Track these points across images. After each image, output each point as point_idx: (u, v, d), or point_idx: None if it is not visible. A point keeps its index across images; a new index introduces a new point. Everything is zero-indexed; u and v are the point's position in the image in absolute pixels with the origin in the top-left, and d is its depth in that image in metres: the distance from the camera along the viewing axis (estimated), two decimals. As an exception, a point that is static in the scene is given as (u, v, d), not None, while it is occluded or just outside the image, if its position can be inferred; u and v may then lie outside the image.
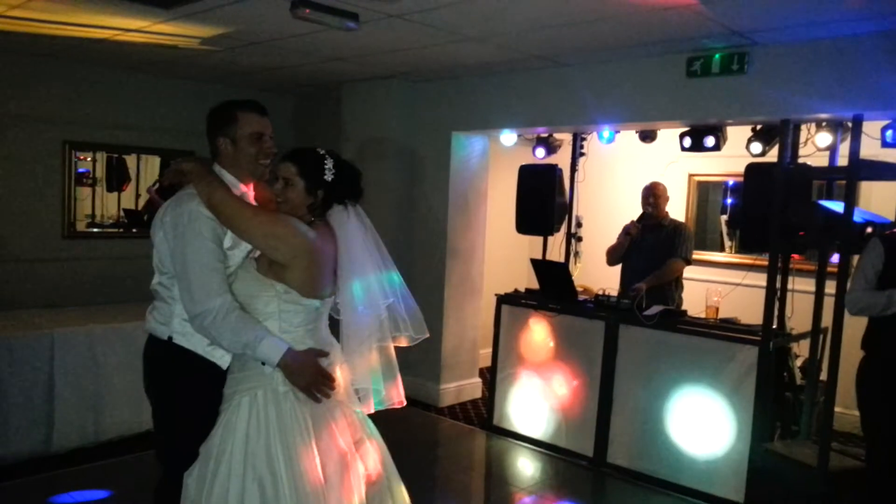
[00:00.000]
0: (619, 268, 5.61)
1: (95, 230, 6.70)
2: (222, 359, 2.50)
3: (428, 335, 2.67)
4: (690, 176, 6.76)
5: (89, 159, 6.72)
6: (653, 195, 5.41)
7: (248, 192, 2.63)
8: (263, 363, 2.39)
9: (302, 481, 2.31)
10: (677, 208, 6.69)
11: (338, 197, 2.54)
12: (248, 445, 2.33)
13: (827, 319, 4.24)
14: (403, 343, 2.65)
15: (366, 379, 2.57)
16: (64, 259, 6.24)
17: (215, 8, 4.09)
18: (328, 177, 2.50)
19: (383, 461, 2.63)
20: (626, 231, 5.44)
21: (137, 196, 7.28)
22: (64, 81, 6.09)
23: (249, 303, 2.42)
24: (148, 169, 7.32)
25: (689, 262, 5.35)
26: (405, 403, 2.68)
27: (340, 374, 2.55)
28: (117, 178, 7.13)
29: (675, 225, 5.45)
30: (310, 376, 2.40)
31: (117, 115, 6.44)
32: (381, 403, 2.64)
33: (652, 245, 5.36)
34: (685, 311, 4.97)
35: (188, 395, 2.50)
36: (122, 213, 7.14)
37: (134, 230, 7.06)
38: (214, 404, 2.47)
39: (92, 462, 4.68)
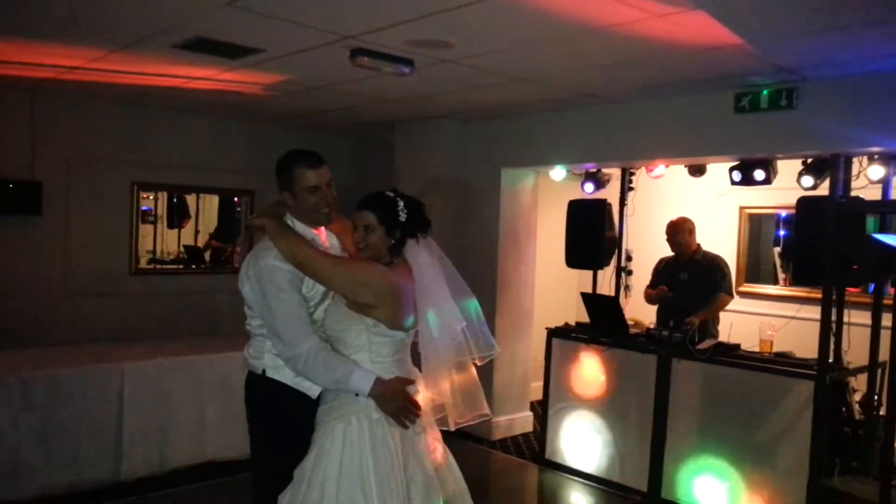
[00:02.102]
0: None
1: (157, 266, 6.99)
2: (311, 389, 2.68)
3: (499, 350, 2.87)
4: (741, 208, 6.75)
5: (151, 197, 7.03)
6: (675, 233, 5.49)
7: (321, 234, 2.82)
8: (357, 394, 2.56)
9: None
10: (729, 241, 6.69)
11: (410, 233, 2.72)
12: (341, 469, 2.49)
13: (885, 353, 4.20)
14: (478, 362, 2.81)
15: (447, 395, 2.75)
16: (130, 294, 6.50)
17: (278, 57, 4.31)
18: (402, 217, 2.68)
19: (458, 482, 2.78)
20: (662, 294, 5.52)
21: (196, 233, 7.58)
22: (134, 124, 6.40)
23: (340, 336, 2.63)
24: (206, 206, 7.63)
25: (732, 296, 5.39)
26: (489, 414, 2.86)
27: (423, 400, 2.71)
28: (178, 216, 7.45)
29: (712, 258, 5.49)
30: (399, 403, 2.58)
31: (180, 156, 6.73)
32: (461, 417, 2.80)
33: (689, 280, 5.40)
34: (738, 345, 4.95)
35: (281, 422, 2.71)
36: (181, 250, 7.44)
37: (193, 266, 7.34)
38: (306, 431, 2.65)
39: (158, 491, 4.84)
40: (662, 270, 5.69)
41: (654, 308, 5.73)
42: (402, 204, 2.69)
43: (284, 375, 2.67)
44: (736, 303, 5.75)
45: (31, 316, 5.88)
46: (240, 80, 4.98)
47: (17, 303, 5.78)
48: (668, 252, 5.70)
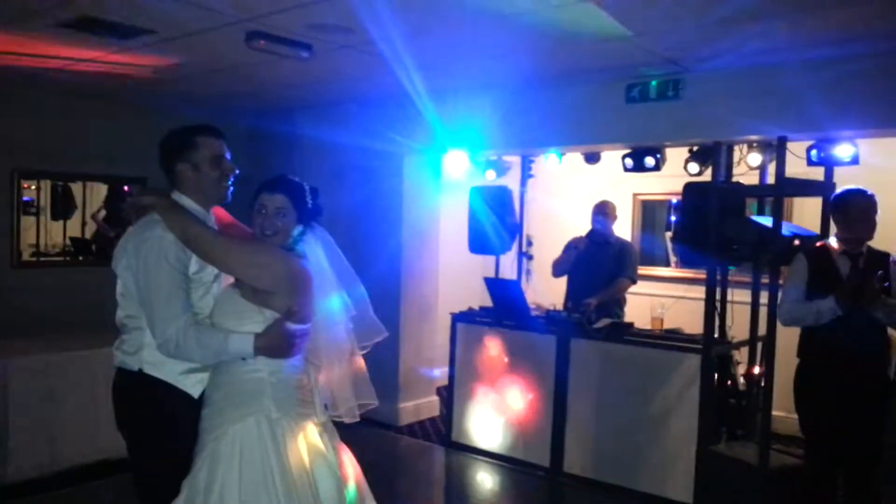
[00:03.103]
0: (565, 283, 5.80)
1: (42, 259, 6.62)
2: (194, 387, 2.48)
3: (386, 333, 2.79)
4: (635, 195, 7.05)
5: (33, 188, 6.64)
6: (603, 213, 5.63)
7: (213, 217, 2.63)
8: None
9: None
10: (623, 226, 6.96)
11: (308, 220, 2.60)
12: (241, 474, 2.33)
13: (764, 328, 4.51)
14: (362, 351, 2.74)
15: (346, 390, 2.66)
16: (11, 288, 6.14)
17: (169, 39, 4.17)
18: (309, 204, 2.57)
19: (358, 475, 2.69)
20: (574, 245, 5.63)
21: (84, 224, 7.20)
22: (15, 109, 6.04)
23: (236, 328, 2.41)
24: (93, 196, 7.26)
25: (634, 281, 5.60)
26: (377, 403, 2.76)
27: (317, 393, 2.59)
28: (63, 206, 7.06)
29: (622, 244, 5.68)
30: (286, 344, 2.42)
31: (66, 142, 6.39)
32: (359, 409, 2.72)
33: (598, 262, 5.56)
34: (632, 324, 5.19)
35: (163, 426, 2.46)
36: (68, 242, 7.07)
37: (80, 258, 6.99)
38: (190, 435, 2.45)
39: (48, 492, 4.62)
40: (573, 248, 5.76)
41: (556, 291, 5.89)
42: (308, 190, 2.58)
43: (166, 373, 2.43)
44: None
45: None
46: (129, 62, 4.77)
47: None
48: (566, 239, 5.86)
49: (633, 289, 5.67)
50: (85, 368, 4.93)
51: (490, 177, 6.28)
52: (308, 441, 2.47)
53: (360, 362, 2.74)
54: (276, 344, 2.40)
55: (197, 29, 3.93)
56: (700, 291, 4.74)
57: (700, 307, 4.62)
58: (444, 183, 6.73)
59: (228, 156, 2.60)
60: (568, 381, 5.14)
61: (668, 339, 4.81)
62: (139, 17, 3.78)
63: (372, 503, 2.71)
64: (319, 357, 2.62)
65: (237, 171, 2.62)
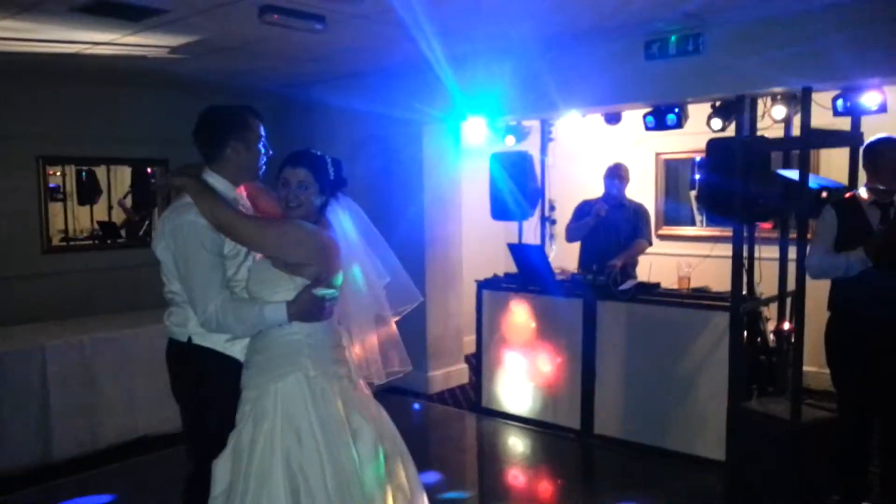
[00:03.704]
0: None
1: (71, 243, 6.73)
2: (240, 353, 2.65)
3: (421, 298, 2.92)
4: (657, 154, 6.96)
5: (59, 174, 6.73)
6: (617, 176, 5.58)
7: (242, 194, 2.76)
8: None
9: (339, 463, 2.49)
10: (647, 186, 6.90)
11: (332, 191, 2.70)
12: (283, 429, 2.47)
13: (793, 283, 4.45)
14: (395, 317, 2.85)
15: (374, 352, 2.78)
16: (44, 274, 6.26)
17: (184, 18, 4.16)
18: (331, 175, 2.67)
19: (394, 434, 2.79)
20: (596, 213, 5.60)
21: (110, 208, 7.30)
22: (34, 97, 6.09)
23: (271, 297, 2.54)
24: (118, 180, 7.34)
25: (650, 242, 5.60)
26: (410, 369, 2.89)
27: (351, 355, 2.73)
28: (89, 192, 7.15)
29: (636, 207, 5.65)
30: (316, 308, 2.55)
31: (88, 127, 6.44)
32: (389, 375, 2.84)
33: (615, 225, 5.53)
34: (658, 284, 5.16)
35: (212, 390, 2.64)
36: (96, 226, 7.17)
37: (109, 241, 7.09)
38: (237, 396, 2.61)
39: (92, 469, 4.76)
40: (586, 211, 5.73)
41: (577, 256, 5.87)
42: (330, 161, 2.68)
43: (213, 342, 2.61)
44: (656, 245, 5.96)
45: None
46: (144, 43, 4.78)
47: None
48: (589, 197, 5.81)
49: (659, 250, 5.65)
50: (119, 348, 5.05)
51: (510, 142, 6.23)
52: (344, 397, 2.61)
53: (393, 327, 2.85)
54: (307, 309, 2.53)
55: (209, 6, 3.92)
56: (727, 249, 4.69)
57: (727, 265, 4.58)
58: (465, 150, 6.71)
59: None
60: (596, 344, 5.15)
61: (696, 298, 4.78)
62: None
63: (407, 459, 2.80)
64: (349, 321, 2.75)
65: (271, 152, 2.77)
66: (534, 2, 4.03)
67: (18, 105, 6.02)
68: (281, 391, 2.51)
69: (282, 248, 2.56)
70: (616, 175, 5.58)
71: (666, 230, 6.93)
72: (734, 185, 4.27)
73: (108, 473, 4.73)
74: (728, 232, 4.88)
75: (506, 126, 6.26)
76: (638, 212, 5.61)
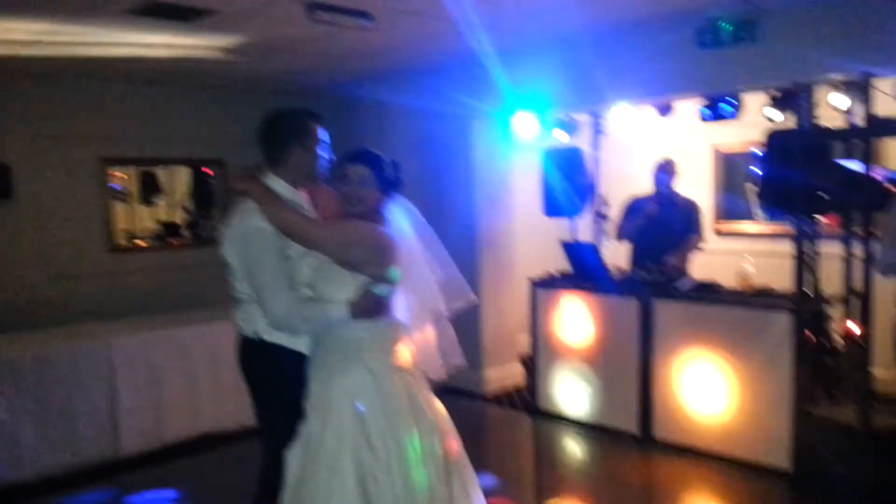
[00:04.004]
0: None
1: (135, 243, 6.93)
2: (305, 347, 2.78)
3: (474, 297, 3.01)
4: (713, 147, 6.75)
5: (121, 175, 6.94)
6: (666, 172, 5.47)
7: (304, 195, 2.86)
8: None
9: (403, 456, 2.58)
10: (702, 179, 6.70)
11: (389, 191, 2.79)
12: (351, 420, 2.57)
13: (860, 282, 4.24)
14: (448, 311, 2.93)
15: (430, 346, 2.88)
16: (109, 273, 6.46)
17: (232, 18, 4.23)
18: (389, 173, 2.77)
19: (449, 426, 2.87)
20: (642, 210, 5.47)
21: (171, 208, 7.49)
22: (97, 99, 6.29)
23: (334, 295, 2.65)
24: (177, 180, 7.53)
25: (703, 238, 5.48)
26: (465, 363, 3.02)
27: (409, 352, 2.81)
28: (149, 192, 7.36)
29: (687, 202, 5.51)
30: (376, 306, 2.66)
31: (146, 128, 6.61)
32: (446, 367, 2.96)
33: (667, 222, 5.41)
34: (716, 283, 5.00)
35: (281, 383, 2.77)
36: (158, 226, 7.38)
37: (171, 241, 7.28)
38: (303, 387, 2.73)
39: (157, 465, 4.89)
40: (637, 209, 5.63)
41: (630, 252, 5.74)
42: (388, 160, 2.78)
43: (279, 337, 2.73)
44: (714, 242, 5.80)
45: (13, 300, 5.84)
46: (196, 44, 4.88)
47: (-3, 288, 5.73)
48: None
49: (716, 245, 5.49)
50: (182, 346, 5.17)
51: (560, 137, 6.14)
52: (408, 391, 2.70)
53: (447, 322, 2.95)
54: (367, 307, 2.65)
55: (258, 5, 3.97)
56: (788, 246, 4.51)
57: (789, 262, 4.40)
58: (516, 146, 6.63)
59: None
60: (653, 344, 5.01)
61: (757, 298, 4.61)
62: (201, -2, 3.85)
63: (464, 458, 2.87)
64: (407, 317, 2.83)
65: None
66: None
67: (80, 107, 6.23)
68: (346, 385, 2.61)
69: (343, 249, 2.64)
70: (665, 171, 5.47)
71: (723, 225, 6.71)
72: (795, 177, 4.10)
73: (172, 469, 4.86)
74: (789, 228, 4.70)
75: (556, 120, 6.17)
76: (691, 208, 5.49)
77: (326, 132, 2.81)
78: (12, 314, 5.74)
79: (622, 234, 5.67)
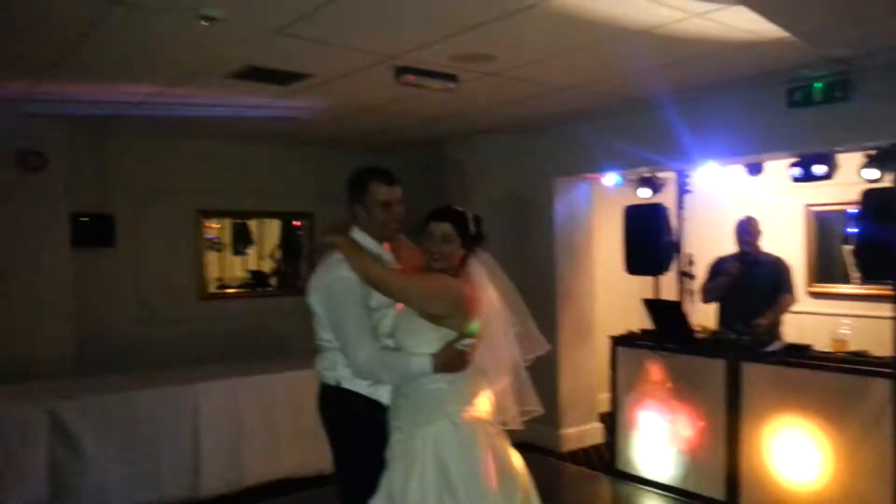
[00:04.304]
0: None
1: (225, 291, 7.21)
2: (384, 396, 2.82)
3: (549, 346, 3.04)
4: (806, 206, 6.55)
5: (216, 226, 7.28)
6: (748, 232, 5.33)
7: (387, 249, 2.94)
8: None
9: None
10: (794, 240, 6.49)
11: (472, 246, 2.88)
12: (436, 473, 2.60)
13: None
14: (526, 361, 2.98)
15: (508, 396, 2.90)
16: (199, 318, 6.72)
17: (326, 82, 4.44)
18: (472, 230, 2.84)
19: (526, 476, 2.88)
20: (726, 271, 5.34)
21: (260, 258, 7.78)
22: (195, 155, 6.67)
23: (414, 347, 2.73)
24: (268, 231, 7.84)
25: (795, 297, 5.26)
26: (542, 410, 3.03)
27: (488, 401, 2.83)
28: (242, 242, 7.69)
29: (775, 260, 5.35)
30: (459, 360, 2.71)
31: (241, 183, 6.95)
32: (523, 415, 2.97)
33: (753, 282, 5.25)
34: (810, 346, 4.79)
35: (359, 432, 2.83)
36: (247, 275, 7.66)
37: (259, 289, 7.54)
38: (384, 438, 2.77)
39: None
40: (721, 269, 5.47)
41: (716, 312, 5.59)
42: (471, 215, 2.85)
43: (359, 386, 2.79)
44: (807, 304, 5.57)
45: (108, 342, 6.15)
46: (291, 105, 5.12)
47: (94, 330, 6.06)
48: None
49: (810, 308, 5.28)
50: (265, 392, 5.30)
51: (644, 194, 6.09)
52: (487, 441, 2.71)
53: (524, 373, 2.98)
54: (450, 362, 2.70)
55: (350, 69, 4.16)
56: (888, 309, 4.30)
57: (888, 326, 4.19)
58: (598, 202, 6.63)
59: (398, 200, 2.88)
60: (740, 409, 4.81)
61: (854, 363, 4.37)
62: (298, 63, 4.07)
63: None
64: (486, 368, 2.87)
65: (402, 216, 2.91)
66: (665, 56, 3.97)
67: (180, 163, 6.62)
68: (430, 434, 2.64)
69: (426, 301, 2.71)
70: (746, 231, 5.34)
71: (818, 287, 6.46)
72: (893, 237, 3.92)
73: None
74: (888, 290, 4.48)
75: (640, 178, 6.14)
76: (778, 265, 5.32)
77: (392, 191, 2.85)
78: (106, 356, 6.04)
79: (707, 296, 5.53)
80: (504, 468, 2.73)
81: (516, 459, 2.85)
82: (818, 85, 4.34)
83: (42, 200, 5.60)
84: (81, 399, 4.67)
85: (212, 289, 7.01)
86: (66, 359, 5.71)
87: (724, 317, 5.42)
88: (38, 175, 5.53)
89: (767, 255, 5.39)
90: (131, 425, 4.77)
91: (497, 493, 2.63)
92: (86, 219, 5.98)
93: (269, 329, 6.97)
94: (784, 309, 5.22)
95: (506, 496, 2.67)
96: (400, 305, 2.83)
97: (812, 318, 5.35)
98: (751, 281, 5.27)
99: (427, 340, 2.71)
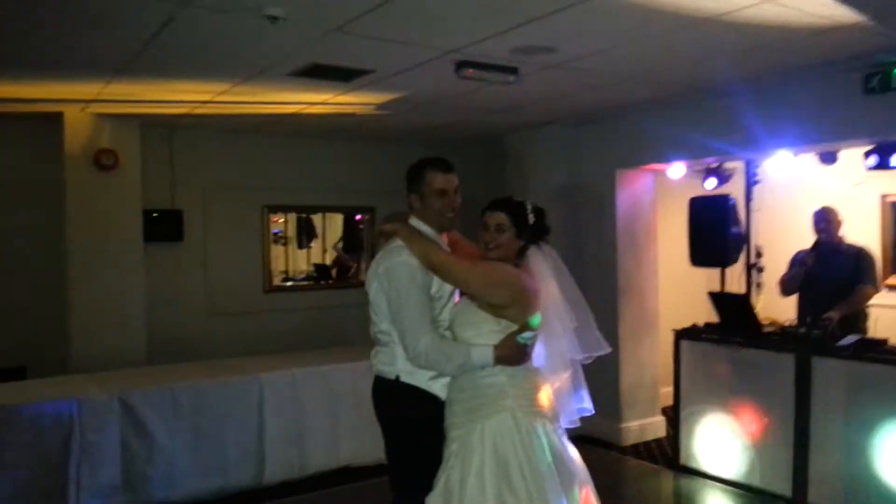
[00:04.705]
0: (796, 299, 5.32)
1: (289, 284, 7.36)
2: (441, 391, 2.78)
3: (609, 349, 2.97)
4: (882, 196, 6.29)
5: (281, 220, 7.43)
6: (825, 220, 5.17)
7: (444, 239, 2.92)
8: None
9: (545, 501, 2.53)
10: (870, 231, 6.25)
11: (533, 238, 2.85)
12: (495, 467, 2.56)
13: None
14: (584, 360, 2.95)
15: (564, 392, 2.89)
16: (264, 311, 6.89)
17: (387, 77, 4.48)
18: (531, 220, 2.82)
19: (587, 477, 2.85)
20: (801, 262, 5.17)
21: (324, 252, 7.92)
22: (261, 151, 6.82)
23: (472, 339, 2.69)
24: (331, 226, 7.97)
25: (877, 288, 5.04)
26: (593, 411, 3.01)
27: (547, 396, 2.80)
28: (306, 236, 7.84)
29: (856, 250, 5.16)
30: (520, 353, 2.68)
31: (304, 178, 7.08)
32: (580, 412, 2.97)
33: (832, 272, 5.08)
34: (886, 340, 4.61)
35: (418, 425, 2.79)
36: (311, 268, 7.81)
37: (321, 282, 7.67)
38: (440, 433, 2.75)
39: (299, 495, 5.08)
40: (800, 264, 5.34)
41: (791, 305, 5.42)
42: (530, 207, 2.84)
43: (418, 379, 2.75)
44: (883, 297, 5.35)
45: (176, 333, 6.36)
46: (353, 101, 5.19)
47: (163, 322, 6.27)
48: (802, 247, 5.38)
49: (886, 300, 5.07)
50: (326, 382, 5.40)
51: (711, 185, 5.95)
52: (546, 437, 2.67)
53: (580, 369, 2.96)
54: (512, 354, 2.67)
55: (411, 65, 4.18)
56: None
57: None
58: (664, 193, 6.50)
59: (455, 188, 2.87)
60: (810, 404, 4.67)
61: (931, 358, 4.20)
62: (360, 60, 4.11)
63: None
64: (544, 364, 2.84)
65: (458, 205, 2.88)
66: (734, 44, 3.86)
67: (247, 159, 6.79)
68: (489, 428, 2.61)
69: (487, 288, 2.69)
70: (823, 219, 5.18)
71: (894, 280, 6.20)
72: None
73: (313, 500, 5.04)
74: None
75: (706, 169, 6.00)
76: (860, 256, 5.12)
77: (448, 179, 2.84)
78: (175, 347, 6.24)
79: (784, 287, 5.39)
80: (563, 464, 2.69)
81: (576, 456, 2.82)
82: (895, 71, 4.17)
83: (117, 198, 5.82)
84: (152, 388, 4.84)
85: (276, 281, 7.16)
86: (140, 350, 5.93)
87: (800, 309, 5.27)
88: (112, 173, 5.76)
89: (850, 246, 5.20)
90: (199, 414, 4.92)
91: (558, 489, 2.59)
92: (156, 214, 6.18)
93: (329, 321, 7.08)
94: (860, 301, 5.02)
95: (566, 492, 2.63)
96: (457, 298, 2.83)
97: (890, 312, 5.13)
98: (827, 272, 5.10)
99: (486, 332, 2.68)
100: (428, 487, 2.65)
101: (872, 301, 5.12)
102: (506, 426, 2.61)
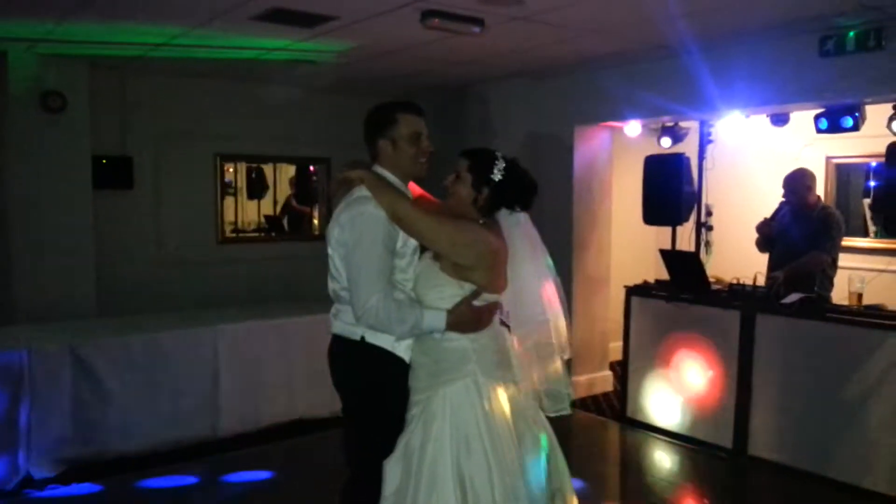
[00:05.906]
0: (762, 258, 5.46)
1: (241, 235, 7.25)
2: (405, 353, 2.63)
3: (569, 356, 2.88)
4: (828, 159, 6.48)
5: (231, 170, 7.27)
6: (790, 185, 5.16)
7: (408, 191, 2.73)
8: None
9: (506, 471, 2.48)
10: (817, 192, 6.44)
11: (506, 201, 2.66)
12: (453, 432, 2.48)
13: None
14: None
15: (530, 356, 2.73)
16: (216, 262, 6.78)
17: (351, 24, 4.38)
18: (496, 177, 2.61)
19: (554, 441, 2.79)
20: (758, 226, 5.29)
21: (275, 203, 7.80)
22: (215, 98, 6.62)
23: (434, 301, 2.56)
24: (282, 177, 7.84)
25: (831, 257, 5.06)
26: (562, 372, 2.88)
27: (514, 356, 2.71)
28: (257, 187, 7.70)
29: (823, 215, 5.11)
30: (474, 320, 2.57)
31: (259, 127, 6.91)
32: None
33: (798, 234, 5.12)
34: (827, 299, 4.81)
35: (381, 388, 2.63)
36: (262, 220, 7.69)
37: (273, 234, 7.58)
38: (403, 396, 2.62)
39: (253, 446, 5.09)
40: (778, 217, 5.38)
41: (738, 264, 5.55)
42: (501, 164, 2.63)
43: (383, 340, 2.58)
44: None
45: (128, 284, 6.22)
46: (313, 48, 5.06)
47: (114, 271, 6.11)
48: (750, 208, 5.54)
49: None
50: (281, 336, 5.37)
51: (665, 144, 6.05)
52: (510, 400, 2.61)
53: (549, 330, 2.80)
54: (465, 321, 2.55)
55: (376, 12, 4.10)
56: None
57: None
58: (618, 152, 6.58)
59: (427, 134, 2.68)
60: (753, 359, 4.87)
61: (868, 316, 4.40)
62: (324, 5, 4.01)
63: (559, 454, 2.79)
64: (512, 324, 2.72)
65: (432, 150, 2.69)
66: (696, 2, 3.89)
67: (201, 106, 6.58)
68: (450, 395, 2.52)
69: (454, 248, 2.53)
70: (786, 183, 5.18)
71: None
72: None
73: (268, 451, 5.05)
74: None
75: (661, 128, 6.08)
76: (823, 220, 5.07)
77: (422, 123, 2.65)
78: (126, 297, 6.12)
79: (759, 247, 5.46)
80: (527, 429, 2.63)
81: (542, 419, 2.74)
82: (851, 34, 4.27)
83: (64, 142, 5.60)
84: (104, 338, 4.75)
85: (228, 233, 7.04)
86: (89, 300, 5.79)
87: (769, 268, 5.33)
88: (59, 116, 5.52)
89: (820, 210, 5.14)
90: (152, 365, 4.84)
91: (518, 456, 2.53)
92: (105, 160, 5.98)
93: (282, 273, 7.01)
94: (810, 265, 4.99)
95: (528, 459, 2.58)
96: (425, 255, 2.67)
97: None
98: (796, 232, 5.14)
99: (448, 295, 2.55)
100: (388, 452, 2.55)
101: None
102: (467, 394, 2.51)
